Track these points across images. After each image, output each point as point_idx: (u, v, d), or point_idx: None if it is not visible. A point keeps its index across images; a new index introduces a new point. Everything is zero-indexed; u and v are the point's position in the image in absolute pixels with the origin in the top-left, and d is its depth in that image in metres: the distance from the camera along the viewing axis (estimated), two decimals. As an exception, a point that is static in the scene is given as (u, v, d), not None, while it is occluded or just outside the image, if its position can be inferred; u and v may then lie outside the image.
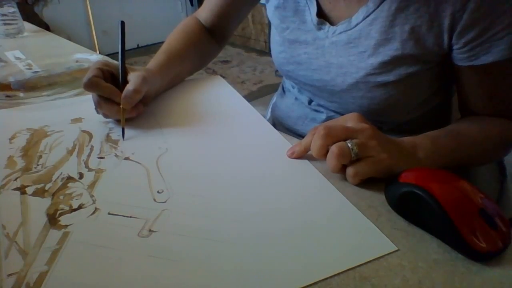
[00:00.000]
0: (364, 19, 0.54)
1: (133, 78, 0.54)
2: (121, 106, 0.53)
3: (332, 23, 0.58)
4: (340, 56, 0.58)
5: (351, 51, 0.56)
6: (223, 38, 0.80)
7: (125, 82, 0.55)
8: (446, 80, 0.60)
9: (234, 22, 0.78)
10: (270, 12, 0.66)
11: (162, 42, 0.71)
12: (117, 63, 0.58)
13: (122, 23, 0.57)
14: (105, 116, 0.56)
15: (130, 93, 0.53)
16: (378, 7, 0.53)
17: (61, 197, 0.41)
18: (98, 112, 0.55)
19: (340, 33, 0.57)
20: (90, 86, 0.52)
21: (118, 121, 0.55)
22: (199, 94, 0.67)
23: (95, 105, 0.54)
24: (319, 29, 0.59)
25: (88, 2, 3.19)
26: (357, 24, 0.55)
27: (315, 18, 0.59)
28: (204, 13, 0.76)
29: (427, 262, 0.33)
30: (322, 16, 0.59)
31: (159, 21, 3.51)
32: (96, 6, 3.21)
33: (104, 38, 3.33)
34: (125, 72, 0.56)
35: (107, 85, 0.53)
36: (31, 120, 0.58)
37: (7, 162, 0.47)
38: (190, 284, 0.31)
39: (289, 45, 0.64)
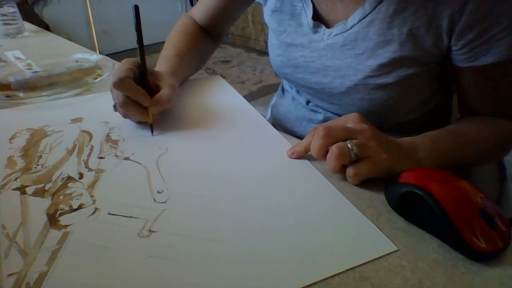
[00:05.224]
0: (360, 20, 0.54)
1: (168, 88, 0.54)
2: (148, 109, 0.52)
3: (329, 27, 0.58)
4: (336, 58, 0.58)
5: (348, 53, 0.56)
6: (218, 37, 0.80)
7: (146, 74, 0.53)
8: (446, 80, 0.60)
9: (229, 22, 0.79)
10: (267, 15, 0.66)
11: (162, 42, 0.71)
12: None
13: (136, 7, 0.52)
14: (125, 116, 0.54)
15: (163, 102, 0.53)
16: (374, 9, 0.52)
17: (61, 197, 0.41)
18: (115, 110, 0.54)
19: (336, 35, 0.57)
20: (121, 86, 0.50)
21: (138, 122, 0.55)
22: (199, 94, 0.67)
23: (119, 103, 0.52)
24: (315, 32, 0.59)
25: (88, 2, 3.19)
26: (353, 26, 0.55)
27: (310, 21, 0.59)
28: (199, 13, 0.76)
29: (427, 262, 0.33)
30: (319, 19, 0.59)
31: (159, 21, 3.49)
32: (96, 6, 3.21)
33: (104, 38, 3.32)
34: (145, 62, 0.54)
35: (138, 88, 0.51)
36: (31, 120, 0.58)
37: (7, 162, 0.47)
38: (190, 284, 0.31)
39: (286, 48, 0.63)
